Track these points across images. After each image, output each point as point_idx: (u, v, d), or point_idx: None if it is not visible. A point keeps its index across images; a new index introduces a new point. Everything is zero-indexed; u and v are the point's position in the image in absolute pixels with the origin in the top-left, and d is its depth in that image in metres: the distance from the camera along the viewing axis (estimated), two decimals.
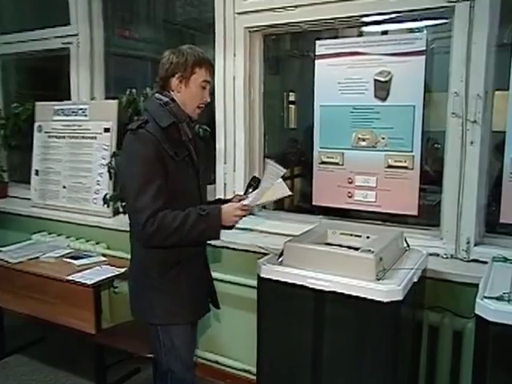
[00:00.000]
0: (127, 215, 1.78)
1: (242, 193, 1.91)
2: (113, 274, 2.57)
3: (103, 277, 2.52)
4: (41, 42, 3.46)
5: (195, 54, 1.74)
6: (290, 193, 1.78)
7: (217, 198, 2.14)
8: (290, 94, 3.58)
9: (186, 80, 1.73)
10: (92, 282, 2.45)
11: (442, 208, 2.20)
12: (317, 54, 2.33)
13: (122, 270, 2.59)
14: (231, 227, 1.79)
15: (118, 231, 2.98)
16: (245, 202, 1.75)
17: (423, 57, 2.09)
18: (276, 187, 1.76)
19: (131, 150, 1.67)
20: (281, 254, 1.81)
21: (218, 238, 1.71)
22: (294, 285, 1.70)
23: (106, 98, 3.31)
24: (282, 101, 3.50)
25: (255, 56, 2.65)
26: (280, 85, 3.46)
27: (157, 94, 1.77)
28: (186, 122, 1.78)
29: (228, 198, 2.08)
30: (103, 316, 2.63)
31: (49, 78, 3.67)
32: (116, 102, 2.98)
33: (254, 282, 1.87)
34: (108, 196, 2.89)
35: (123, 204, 2.79)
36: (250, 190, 1.84)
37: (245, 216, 1.76)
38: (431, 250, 2.14)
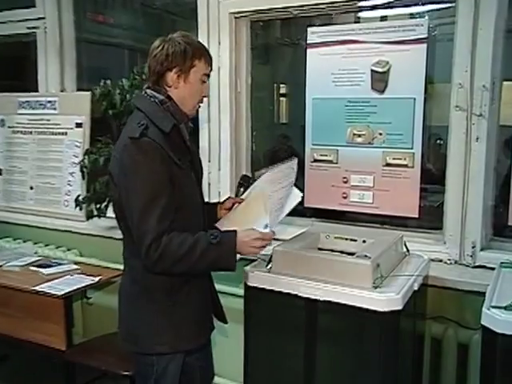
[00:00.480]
0: (123, 229, 1.71)
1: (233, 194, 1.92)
2: (86, 284, 2.57)
3: (75, 287, 2.51)
4: (2, 26, 3.41)
5: (193, 43, 1.69)
6: (301, 195, 1.79)
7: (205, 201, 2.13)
8: (281, 85, 3.60)
9: (185, 74, 1.67)
10: (62, 292, 2.44)
11: (445, 209, 2.23)
12: (308, 42, 2.36)
13: (96, 278, 2.60)
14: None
15: (91, 236, 2.99)
16: (264, 230, 1.67)
17: (425, 45, 2.11)
18: (290, 193, 1.77)
19: (133, 162, 1.58)
20: (269, 261, 1.83)
21: (233, 269, 1.63)
22: (284, 294, 1.72)
23: (78, 90, 3.30)
24: (271, 93, 3.53)
25: (242, 44, 2.67)
26: (270, 76, 3.49)
27: (149, 91, 1.70)
28: (184, 123, 1.72)
29: (221, 200, 2.03)
30: (75, 330, 2.63)
31: (13, 66, 3.65)
32: (89, 94, 2.98)
33: (241, 291, 1.89)
34: (81, 198, 2.89)
35: (98, 207, 2.80)
36: (242, 190, 1.86)
37: (265, 246, 1.67)
38: (433, 255, 2.18)
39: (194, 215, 1.72)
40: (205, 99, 1.78)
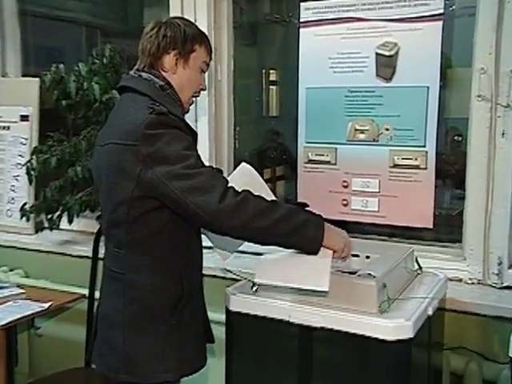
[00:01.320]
0: (118, 236, 1.72)
1: None
2: (33, 312, 2.54)
3: (19, 315, 2.48)
4: None
5: (193, 27, 1.79)
6: None
7: None
8: (271, 71, 3.61)
9: (185, 58, 1.76)
10: (3, 322, 2.41)
11: (464, 218, 2.25)
12: (302, 20, 2.39)
13: (46, 304, 2.57)
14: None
15: (40, 252, 2.97)
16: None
17: (440, 22, 2.14)
18: None
19: (166, 132, 1.61)
20: None
21: (318, 244, 1.66)
22: (273, 320, 1.72)
23: (24, 76, 3.30)
24: (259, 81, 3.53)
25: (222, 22, 2.69)
26: (257, 60, 3.49)
27: (144, 74, 1.76)
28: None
29: None
30: (19, 369, 2.61)
31: None
32: (37, 80, 2.98)
33: (222, 317, 1.89)
34: (27, 206, 2.88)
35: (50, 217, 2.79)
36: None
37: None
38: (451, 273, 2.20)
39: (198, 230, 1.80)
40: (203, 93, 1.88)
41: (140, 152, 1.59)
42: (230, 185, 1.62)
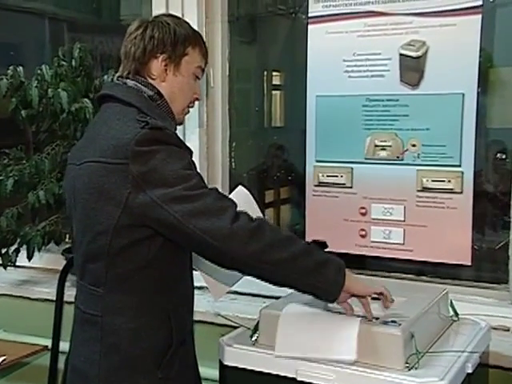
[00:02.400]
0: (97, 271, 1.74)
1: None
2: None
3: None
4: None
5: (186, 27, 1.81)
6: None
7: None
8: (274, 74, 3.64)
9: (176, 64, 1.78)
10: None
11: (511, 253, 2.27)
12: (310, 14, 2.43)
13: None
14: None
15: None
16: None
17: (479, 16, 2.18)
18: None
19: (161, 149, 1.63)
20: (255, 329, 1.86)
21: (338, 288, 1.69)
22: (276, 377, 1.73)
23: None
24: (260, 85, 3.56)
25: (216, 16, 2.74)
26: (257, 60, 3.52)
27: (130, 82, 1.78)
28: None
29: None
30: None
31: None
32: None
33: (214, 373, 1.90)
34: None
35: (5, 251, 2.79)
36: None
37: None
38: (495, 320, 2.20)
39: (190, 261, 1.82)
40: (196, 103, 1.89)
41: (129, 172, 1.61)
42: (240, 209, 1.65)
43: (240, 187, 1.98)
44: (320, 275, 1.67)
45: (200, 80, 1.88)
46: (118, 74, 1.83)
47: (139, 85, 1.77)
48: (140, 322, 1.71)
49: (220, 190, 1.68)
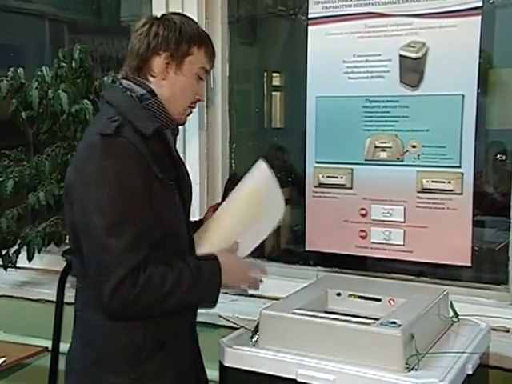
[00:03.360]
0: (78, 267, 1.79)
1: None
2: None
3: None
4: None
5: (193, 26, 1.81)
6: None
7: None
8: (274, 75, 3.64)
9: (178, 63, 1.76)
10: None
11: (510, 254, 2.28)
12: (310, 15, 2.43)
13: None
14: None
15: None
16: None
17: (479, 17, 2.17)
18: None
19: (100, 168, 1.64)
20: (255, 330, 1.86)
21: (213, 306, 1.81)
22: (276, 378, 1.73)
23: None
24: (260, 86, 3.56)
25: (216, 17, 2.74)
26: (257, 61, 3.52)
27: (125, 81, 1.78)
28: (170, 129, 1.82)
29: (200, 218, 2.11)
30: None
31: None
32: None
33: (215, 374, 1.91)
34: None
35: (5, 253, 2.79)
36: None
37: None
38: (495, 321, 2.20)
39: (180, 254, 1.78)
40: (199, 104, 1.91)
41: (77, 180, 1.69)
42: (131, 268, 1.62)
43: (260, 162, 1.96)
44: (197, 306, 1.85)
45: (204, 81, 1.86)
46: (120, 73, 1.83)
47: (132, 84, 1.77)
48: (113, 319, 1.72)
49: (133, 237, 1.64)
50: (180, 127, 1.93)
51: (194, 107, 1.87)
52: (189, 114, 1.87)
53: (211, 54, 1.85)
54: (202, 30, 1.86)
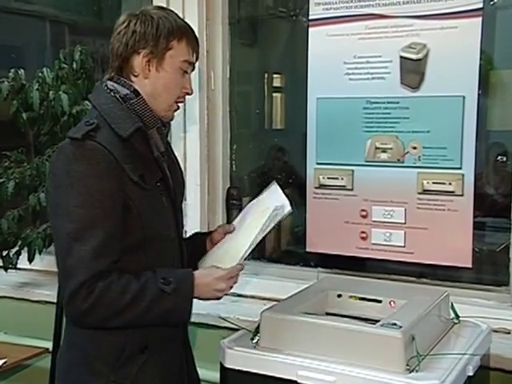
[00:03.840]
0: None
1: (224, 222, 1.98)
2: None
3: None
4: None
5: (172, 19, 1.75)
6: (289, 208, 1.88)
7: (193, 232, 2.16)
8: (274, 76, 3.64)
9: (159, 59, 1.73)
10: None
11: (511, 255, 2.28)
12: (311, 17, 2.43)
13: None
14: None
15: None
16: (228, 266, 1.79)
17: (479, 19, 2.17)
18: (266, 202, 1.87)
19: (68, 171, 1.63)
20: (256, 331, 1.86)
21: (188, 320, 1.76)
22: (277, 379, 1.73)
23: None
24: (261, 87, 3.56)
25: (217, 18, 2.75)
26: (258, 62, 3.53)
27: (109, 82, 1.77)
28: (156, 128, 1.79)
29: (209, 230, 2.11)
30: None
31: None
32: None
33: (215, 375, 1.91)
34: None
35: (6, 254, 2.79)
36: (236, 213, 1.93)
37: (232, 287, 1.81)
38: (496, 323, 2.20)
39: (165, 256, 1.78)
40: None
41: (48, 182, 1.72)
42: (91, 275, 1.61)
43: (274, 185, 2.00)
44: (168, 320, 1.73)
45: (190, 74, 1.82)
46: (106, 75, 1.81)
47: (116, 85, 1.76)
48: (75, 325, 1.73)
49: (98, 242, 1.63)
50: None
51: (181, 101, 1.83)
52: (176, 110, 1.84)
53: (194, 46, 1.80)
54: (183, 21, 1.79)
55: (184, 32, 1.77)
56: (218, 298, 1.81)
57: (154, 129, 1.78)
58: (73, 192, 1.62)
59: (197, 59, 1.84)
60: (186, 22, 1.80)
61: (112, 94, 1.75)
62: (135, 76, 1.75)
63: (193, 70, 1.84)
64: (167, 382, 1.83)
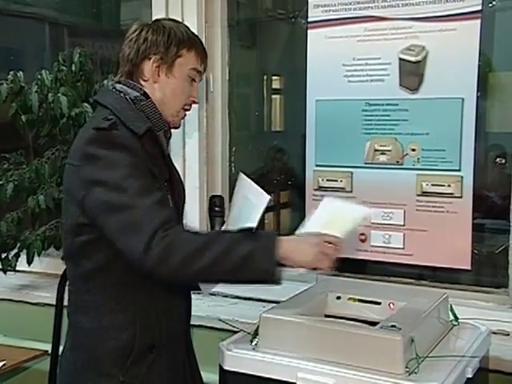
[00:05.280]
0: (71, 270, 1.79)
1: None
2: None
3: None
4: None
5: (182, 29, 1.83)
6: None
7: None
8: (273, 78, 3.65)
9: (168, 65, 1.80)
10: None
11: (510, 257, 2.28)
12: (310, 19, 2.44)
13: None
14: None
15: None
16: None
17: (478, 21, 2.18)
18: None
19: (106, 156, 1.66)
20: (255, 333, 1.86)
21: (275, 275, 1.61)
22: (276, 381, 1.73)
23: None
24: (260, 89, 3.57)
25: (216, 20, 2.76)
26: (257, 64, 3.53)
27: (118, 85, 1.82)
28: (163, 131, 1.84)
29: None
30: None
31: None
32: None
33: (214, 378, 1.91)
34: None
35: (5, 256, 2.79)
36: (219, 220, 1.93)
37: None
38: (495, 325, 2.21)
39: None
40: (194, 106, 1.91)
41: (81, 174, 1.67)
42: (162, 222, 1.62)
43: (241, 175, 1.96)
44: (250, 270, 1.62)
45: (197, 83, 1.88)
46: (115, 79, 1.87)
47: (125, 87, 1.81)
48: (102, 322, 1.74)
49: (159, 199, 1.66)
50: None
51: (188, 109, 1.89)
52: (183, 117, 1.90)
53: (202, 56, 1.87)
54: (193, 33, 1.88)
55: (193, 42, 1.84)
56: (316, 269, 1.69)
57: (161, 131, 1.82)
58: (114, 167, 1.65)
59: (205, 70, 1.90)
60: (195, 34, 1.88)
61: (121, 95, 1.79)
62: (145, 80, 1.81)
63: (200, 80, 1.90)
64: (174, 381, 1.85)
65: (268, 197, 1.78)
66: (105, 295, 1.74)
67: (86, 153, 1.68)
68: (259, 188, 1.84)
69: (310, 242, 1.66)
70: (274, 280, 1.62)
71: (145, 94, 1.80)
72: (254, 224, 1.70)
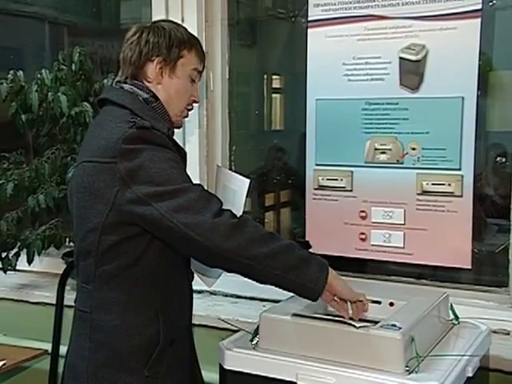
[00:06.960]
0: (87, 268, 1.78)
1: None
2: None
3: None
4: None
5: (181, 30, 1.88)
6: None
7: None
8: (274, 77, 3.65)
9: (171, 66, 1.84)
10: None
11: (511, 256, 2.28)
12: (310, 18, 2.44)
13: None
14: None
15: None
16: None
17: (478, 20, 2.18)
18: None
19: (146, 152, 1.68)
20: (255, 333, 1.86)
21: (319, 285, 1.70)
22: (276, 380, 1.73)
23: None
24: (260, 88, 3.57)
25: (216, 19, 2.76)
26: (257, 63, 3.53)
27: (127, 85, 1.84)
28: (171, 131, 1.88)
29: None
30: None
31: None
32: None
33: (215, 377, 1.91)
34: None
35: (5, 256, 2.79)
36: None
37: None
38: (496, 324, 2.21)
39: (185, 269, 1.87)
40: (195, 105, 1.94)
41: (117, 170, 1.67)
42: (221, 203, 1.69)
43: (218, 167, 2.07)
44: (302, 272, 1.69)
45: (198, 83, 1.92)
46: (116, 79, 1.89)
47: (135, 88, 1.83)
48: (126, 319, 1.75)
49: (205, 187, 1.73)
50: (177, 130, 1.95)
51: (191, 109, 1.93)
52: (185, 117, 1.94)
53: (202, 56, 1.92)
54: (191, 33, 1.91)
55: (193, 43, 1.89)
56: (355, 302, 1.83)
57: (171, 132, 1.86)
58: (160, 159, 1.68)
59: (203, 69, 1.95)
60: (193, 34, 1.92)
61: (135, 96, 1.82)
62: (149, 82, 1.85)
63: (199, 79, 1.94)
64: (187, 375, 1.88)
65: (248, 180, 1.84)
66: (130, 292, 1.75)
67: (125, 149, 1.68)
68: (239, 175, 1.90)
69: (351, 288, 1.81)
70: (317, 290, 1.70)
71: (154, 96, 1.83)
72: (239, 211, 1.77)
